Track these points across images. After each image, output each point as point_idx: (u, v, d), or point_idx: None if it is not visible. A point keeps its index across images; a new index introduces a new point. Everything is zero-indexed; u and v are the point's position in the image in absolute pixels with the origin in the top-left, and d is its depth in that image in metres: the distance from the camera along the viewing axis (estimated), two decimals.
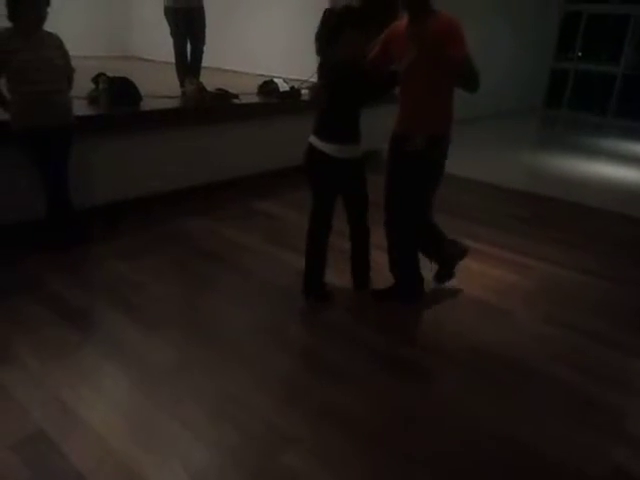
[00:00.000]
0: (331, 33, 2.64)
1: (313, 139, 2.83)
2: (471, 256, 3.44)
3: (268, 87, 5.11)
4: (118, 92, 3.94)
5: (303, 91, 5.25)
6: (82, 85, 3.90)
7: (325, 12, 2.70)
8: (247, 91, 5.06)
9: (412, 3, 2.62)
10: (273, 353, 2.60)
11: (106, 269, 3.27)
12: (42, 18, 3.11)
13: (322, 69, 2.80)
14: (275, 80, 5.14)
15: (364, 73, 2.71)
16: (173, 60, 5.00)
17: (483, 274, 3.59)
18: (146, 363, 2.43)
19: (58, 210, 3.39)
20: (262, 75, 6.00)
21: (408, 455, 2.04)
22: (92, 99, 4.00)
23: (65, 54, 3.29)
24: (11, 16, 3.04)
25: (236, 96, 4.66)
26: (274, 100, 5.05)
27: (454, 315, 3.07)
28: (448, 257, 3.26)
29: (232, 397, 2.26)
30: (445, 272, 3.29)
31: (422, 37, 2.53)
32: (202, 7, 4.92)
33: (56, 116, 3.24)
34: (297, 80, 5.49)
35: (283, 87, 5.09)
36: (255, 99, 5.07)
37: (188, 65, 4.97)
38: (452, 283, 3.31)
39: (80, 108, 3.69)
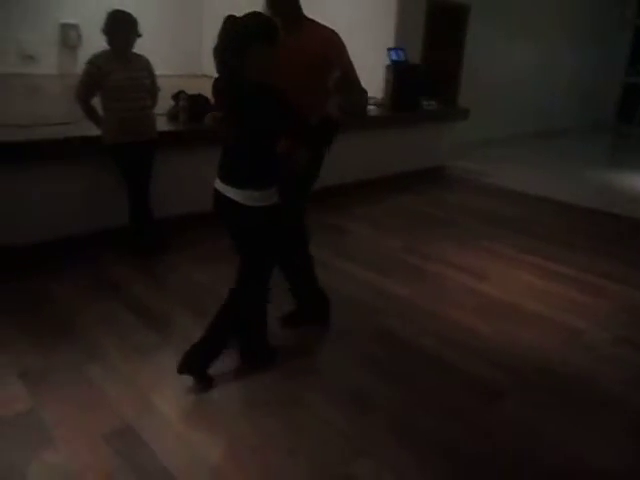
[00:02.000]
0: (236, 46, 2.09)
1: (219, 184, 2.27)
2: (548, 276, 3.38)
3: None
4: (196, 108, 4.14)
5: (370, 107, 5.36)
6: (162, 102, 4.13)
7: (227, 19, 2.12)
8: None
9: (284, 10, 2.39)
10: (345, 363, 2.66)
11: (181, 276, 3.43)
12: (132, 42, 3.36)
13: (223, 92, 2.23)
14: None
15: (283, 97, 2.13)
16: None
17: (558, 294, 3.51)
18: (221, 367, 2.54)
19: (140, 219, 3.61)
20: None
21: (477, 469, 2.03)
22: (172, 115, 4.22)
23: (152, 74, 3.52)
24: (108, 41, 3.30)
25: None
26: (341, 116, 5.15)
27: (526, 334, 3.02)
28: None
29: (305, 405, 2.33)
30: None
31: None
32: None
33: (142, 132, 3.46)
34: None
35: None
36: None
37: None
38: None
39: (161, 124, 3.92)
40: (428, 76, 6.05)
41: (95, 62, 3.29)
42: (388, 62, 5.66)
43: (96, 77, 3.28)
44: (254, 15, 2.16)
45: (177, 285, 3.36)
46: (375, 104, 5.64)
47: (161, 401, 2.29)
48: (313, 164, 2.57)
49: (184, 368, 2.33)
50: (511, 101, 8.53)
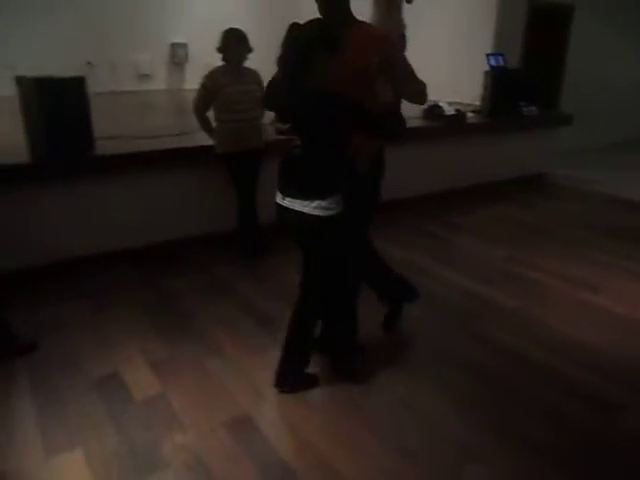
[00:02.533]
0: (301, 54, 2.07)
1: (283, 199, 2.23)
2: None
3: (434, 111, 5.22)
4: None
5: (469, 114, 5.30)
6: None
7: (292, 27, 2.11)
8: (411, 115, 5.22)
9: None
10: (449, 368, 2.67)
11: (284, 277, 3.58)
12: (244, 57, 3.59)
13: (286, 103, 2.20)
14: (440, 104, 5.23)
15: (346, 99, 2.08)
16: None
17: None
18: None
19: (247, 223, 3.83)
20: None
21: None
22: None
23: (261, 86, 3.72)
24: (223, 57, 3.56)
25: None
26: (440, 124, 5.14)
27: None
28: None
29: (410, 405, 2.37)
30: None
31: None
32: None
33: (252, 141, 3.68)
34: (459, 103, 5.56)
35: (449, 111, 5.16)
36: (419, 123, 5.21)
37: None
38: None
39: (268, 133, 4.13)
40: (528, 81, 5.87)
41: (211, 77, 3.56)
42: (487, 68, 5.56)
43: (211, 91, 3.54)
44: (318, 22, 2.12)
45: (280, 286, 3.51)
46: (473, 111, 5.57)
47: (274, 394, 2.42)
48: (378, 160, 2.56)
49: (280, 386, 2.43)
50: (616, 106, 8.04)
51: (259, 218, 3.86)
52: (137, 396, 2.39)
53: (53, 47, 7.20)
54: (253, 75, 3.68)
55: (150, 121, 5.55)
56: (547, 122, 6.11)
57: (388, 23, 4.36)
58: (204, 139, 3.76)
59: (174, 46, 8.41)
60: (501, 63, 5.45)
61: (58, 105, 3.26)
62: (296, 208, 2.17)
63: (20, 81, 3.42)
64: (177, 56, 8.39)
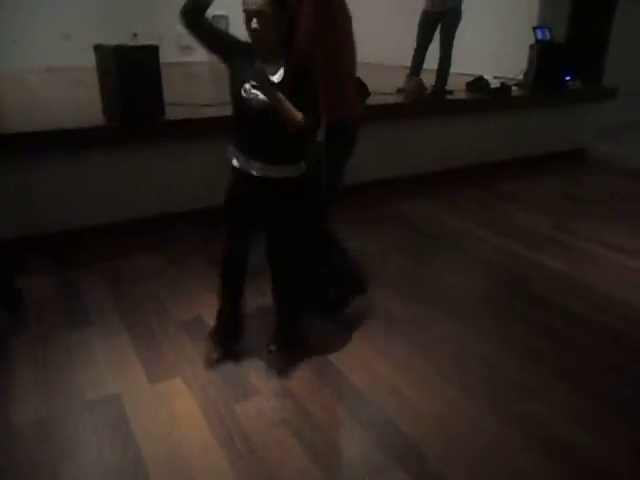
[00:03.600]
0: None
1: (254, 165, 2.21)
2: None
3: (478, 84, 5.32)
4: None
5: (513, 88, 5.39)
6: None
7: None
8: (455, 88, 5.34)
9: None
10: (505, 324, 2.87)
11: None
12: None
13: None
14: (485, 77, 5.33)
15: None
16: (388, 62, 5.45)
17: None
18: (392, 318, 2.87)
19: None
20: (463, 74, 6.22)
21: None
22: None
23: None
24: None
25: (450, 92, 4.97)
26: (485, 97, 5.25)
27: None
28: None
29: (471, 350, 2.59)
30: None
31: None
32: (454, 10, 4.84)
33: None
34: (502, 77, 5.63)
35: (494, 84, 5.26)
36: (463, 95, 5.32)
37: (415, 65, 5.30)
38: None
39: None
40: (573, 54, 5.90)
41: None
42: (532, 41, 5.61)
43: None
44: None
45: None
46: (517, 84, 5.64)
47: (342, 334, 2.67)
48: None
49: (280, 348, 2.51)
50: None
51: None
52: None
53: (102, 18, 7.43)
54: None
55: (204, 90, 5.75)
56: (591, 96, 6.14)
57: None
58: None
59: (215, 18, 8.54)
60: (547, 36, 5.50)
61: (134, 71, 3.47)
62: (272, 175, 2.18)
63: (98, 49, 3.65)
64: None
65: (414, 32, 5.15)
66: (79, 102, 4.57)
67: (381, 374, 2.41)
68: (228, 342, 2.51)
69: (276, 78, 2.06)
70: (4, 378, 2.33)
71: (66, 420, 2.11)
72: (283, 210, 2.29)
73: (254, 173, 2.18)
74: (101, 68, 3.65)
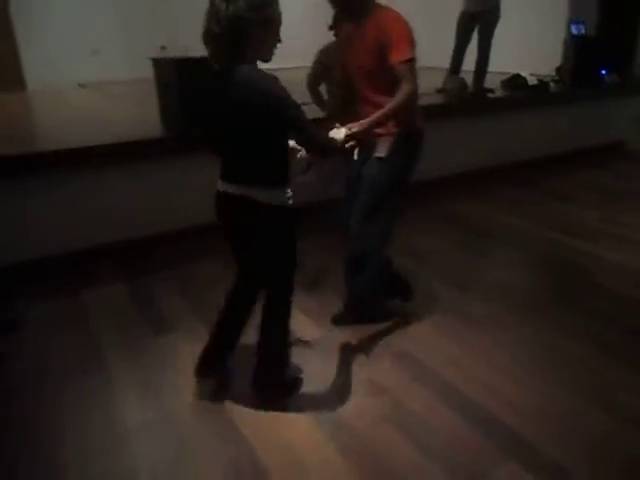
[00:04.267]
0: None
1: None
2: None
3: (516, 81, 5.34)
4: None
5: (551, 84, 5.42)
6: None
7: None
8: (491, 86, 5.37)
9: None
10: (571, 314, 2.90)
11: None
12: None
13: None
14: (522, 74, 5.35)
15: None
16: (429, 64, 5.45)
17: None
18: (468, 316, 2.90)
19: None
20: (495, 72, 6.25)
21: None
22: None
23: None
24: (335, 34, 3.77)
25: (491, 90, 5.01)
26: (524, 94, 5.27)
27: None
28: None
29: (553, 346, 2.61)
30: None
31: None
32: (493, 10, 4.89)
33: None
34: (538, 74, 5.66)
35: (531, 81, 5.28)
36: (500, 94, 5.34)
37: (455, 65, 5.33)
38: None
39: None
40: (609, 48, 5.91)
41: (325, 52, 3.77)
42: (566, 36, 5.64)
43: (325, 66, 3.75)
44: None
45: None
46: (553, 80, 5.65)
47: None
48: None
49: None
50: None
51: None
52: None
53: (130, 32, 7.55)
54: None
55: None
56: (628, 89, 6.14)
57: None
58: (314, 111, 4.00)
59: None
60: (582, 31, 5.52)
61: (193, 83, 3.53)
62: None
63: (157, 63, 3.73)
64: None
65: (439, 33, 5.19)
66: (131, 115, 4.66)
67: (471, 370, 2.44)
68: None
69: None
70: (105, 385, 2.39)
71: (174, 421, 2.17)
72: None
73: None
74: (161, 81, 3.72)
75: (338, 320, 2.84)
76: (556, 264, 3.54)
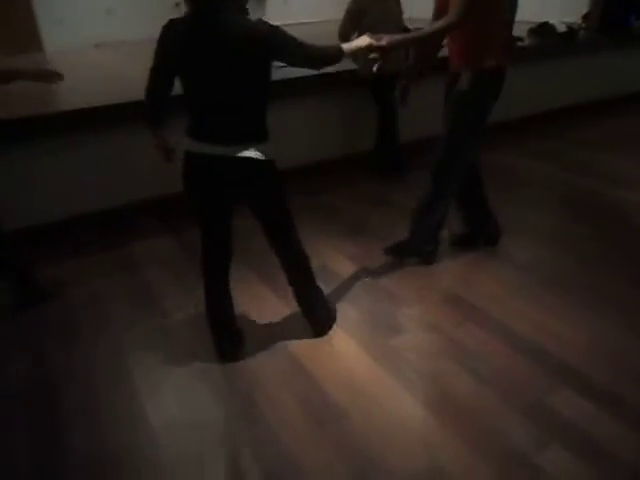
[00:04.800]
0: None
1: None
2: None
3: (544, 29, 5.24)
4: None
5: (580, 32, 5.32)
6: None
7: None
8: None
9: None
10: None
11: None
12: None
13: None
14: (551, 22, 5.24)
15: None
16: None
17: None
18: (514, 260, 2.98)
19: (388, 142, 4.10)
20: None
21: None
22: None
23: (401, 8, 3.90)
24: None
25: (520, 39, 4.92)
26: (554, 42, 5.18)
27: None
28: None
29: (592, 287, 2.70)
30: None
31: None
32: None
33: (394, 63, 3.87)
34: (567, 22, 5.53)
35: (560, 28, 5.18)
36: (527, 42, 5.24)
37: None
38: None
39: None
40: None
41: (356, 1, 3.75)
42: None
43: (358, 14, 3.73)
44: None
45: None
46: (580, 28, 5.52)
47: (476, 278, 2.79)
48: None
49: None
50: None
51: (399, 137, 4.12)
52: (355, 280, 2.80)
53: None
54: None
55: None
56: None
57: None
58: (347, 64, 3.98)
59: (181, 5, 8.47)
60: None
61: None
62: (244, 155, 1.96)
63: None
64: None
65: None
66: None
67: (516, 307, 2.54)
68: (231, 348, 2.32)
69: None
70: (167, 328, 2.51)
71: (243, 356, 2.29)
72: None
73: None
74: None
75: (389, 250, 2.94)
76: (590, 207, 3.58)
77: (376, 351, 2.30)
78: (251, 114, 1.92)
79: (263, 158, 1.93)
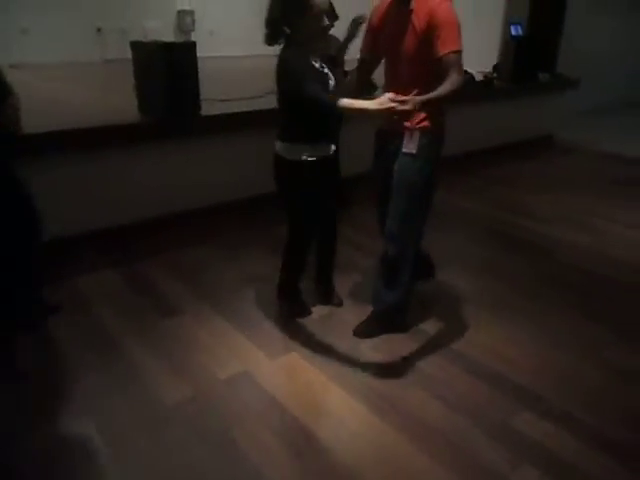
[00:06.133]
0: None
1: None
2: None
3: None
4: None
5: (493, 81, 5.86)
6: None
7: None
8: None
9: None
10: None
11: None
12: None
13: None
14: (470, 71, 5.73)
15: None
16: None
17: None
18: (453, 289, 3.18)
19: None
20: None
21: None
22: None
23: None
24: None
25: None
26: (469, 89, 5.66)
27: None
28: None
29: (544, 321, 2.95)
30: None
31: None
32: None
33: None
34: (480, 72, 6.07)
35: (478, 77, 5.70)
36: None
37: None
38: None
39: None
40: (541, 48, 6.43)
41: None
42: (505, 36, 6.11)
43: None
44: None
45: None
46: (486, 77, 6.03)
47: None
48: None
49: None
50: (606, 70, 8.70)
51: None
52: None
53: (65, 12, 7.19)
54: None
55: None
56: (557, 86, 6.72)
57: None
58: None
59: (181, 14, 8.48)
60: (520, 32, 6.00)
61: (174, 67, 3.49)
62: None
63: (136, 46, 3.66)
64: (184, 24, 8.46)
65: None
66: (97, 100, 4.51)
67: (469, 334, 2.71)
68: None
69: None
70: (134, 369, 2.41)
71: (213, 397, 2.24)
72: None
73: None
74: (139, 64, 3.65)
75: (362, 332, 2.68)
76: (519, 245, 3.87)
77: (343, 381, 2.35)
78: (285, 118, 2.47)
79: (280, 154, 2.46)
